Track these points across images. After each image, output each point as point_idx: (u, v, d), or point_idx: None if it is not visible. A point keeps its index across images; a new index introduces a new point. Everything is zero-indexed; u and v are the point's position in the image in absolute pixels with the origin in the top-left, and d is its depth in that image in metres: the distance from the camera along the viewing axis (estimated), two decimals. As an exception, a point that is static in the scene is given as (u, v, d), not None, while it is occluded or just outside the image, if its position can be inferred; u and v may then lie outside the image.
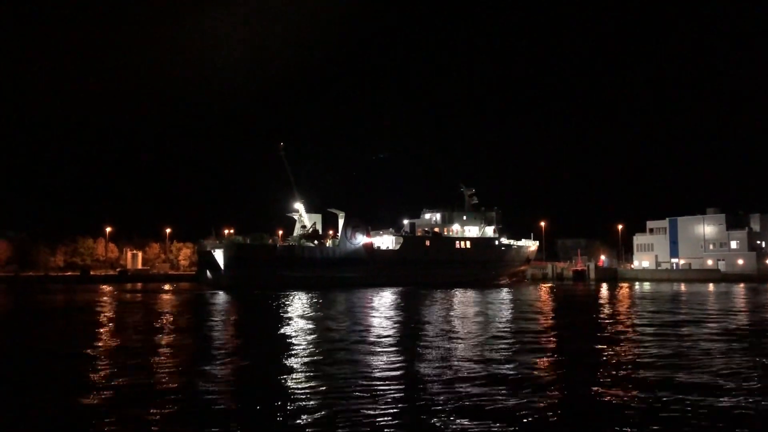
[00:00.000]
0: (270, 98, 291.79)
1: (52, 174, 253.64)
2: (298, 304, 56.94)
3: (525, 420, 15.42)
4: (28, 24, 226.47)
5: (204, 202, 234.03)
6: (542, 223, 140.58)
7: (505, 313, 46.64)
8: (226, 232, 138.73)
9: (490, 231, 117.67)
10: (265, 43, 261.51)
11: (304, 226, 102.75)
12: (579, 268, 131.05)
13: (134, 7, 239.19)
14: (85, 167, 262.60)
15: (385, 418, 15.52)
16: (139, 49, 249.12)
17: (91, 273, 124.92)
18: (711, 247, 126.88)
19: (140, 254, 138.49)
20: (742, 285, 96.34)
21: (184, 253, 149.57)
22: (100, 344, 29.14)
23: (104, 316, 44.78)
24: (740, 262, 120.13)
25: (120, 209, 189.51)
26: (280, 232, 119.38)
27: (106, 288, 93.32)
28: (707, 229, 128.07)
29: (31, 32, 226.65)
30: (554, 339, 31.15)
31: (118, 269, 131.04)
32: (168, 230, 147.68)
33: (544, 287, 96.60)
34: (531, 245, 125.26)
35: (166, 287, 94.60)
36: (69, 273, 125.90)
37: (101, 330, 35.23)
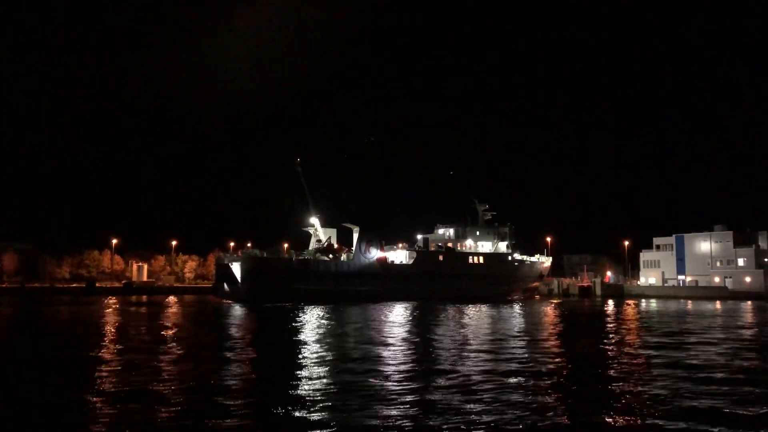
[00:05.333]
0: (286, 114, 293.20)
1: (59, 186, 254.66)
2: (311, 320, 56.75)
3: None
4: (43, 38, 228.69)
5: (210, 215, 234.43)
6: (549, 239, 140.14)
7: (516, 332, 46.34)
8: (232, 245, 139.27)
9: (503, 246, 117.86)
10: (281, 58, 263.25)
11: (319, 240, 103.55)
12: (585, 285, 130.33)
13: (149, 24, 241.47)
14: (91, 179, 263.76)
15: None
16: (151, 63, 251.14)
17: (97, 285, 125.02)
18: (718, 264, 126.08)
19: (146, 266, 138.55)
20: (749, 303, 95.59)
21: (190, 266, 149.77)
22: (113, 355, 29.15)
23: (108, 328, 44.78)
24: (747, 279, 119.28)
25: (126, 222, 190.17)
26: (285, 245, 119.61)
27: (112, 300, 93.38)
28: (714, 246, 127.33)
29: (45, 47, 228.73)
30: (565, 364, 30.93)
31: (123, 281, 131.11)
32: (174, 243, 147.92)
33: (554, 302, 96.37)
34: (544, 261, 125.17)
35: (171, 299, 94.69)
36: (74, 285, 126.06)
37: (109, 342, 35.24)
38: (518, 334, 42.37)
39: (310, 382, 23.23)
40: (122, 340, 38.11)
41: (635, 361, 29.36)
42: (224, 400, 20.09)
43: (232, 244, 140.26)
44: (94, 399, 20.05)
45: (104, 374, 24.81)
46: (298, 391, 21.47)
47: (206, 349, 34.47)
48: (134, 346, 34.84)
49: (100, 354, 31.01)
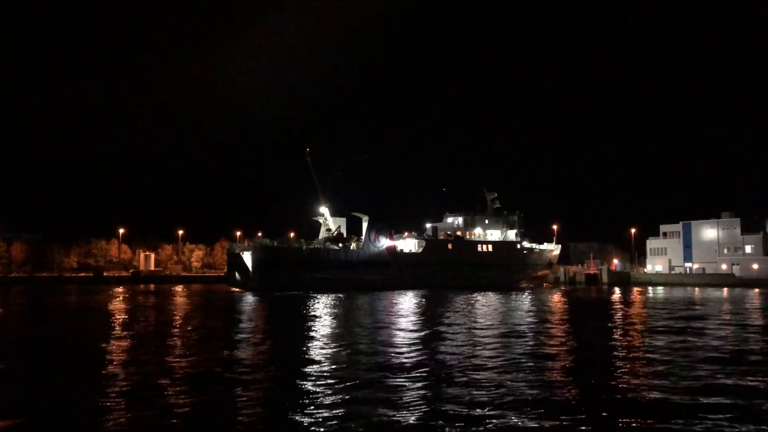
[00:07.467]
0: (296, 106, 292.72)
1: (66, 177, 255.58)
2: (325, 308, 56.95)
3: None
4: (60, 38, 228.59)
5: (216, 205, 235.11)
6: (555, 227, 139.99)
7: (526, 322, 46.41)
8: (239, 234, 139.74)
9: (512, 235, 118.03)
10: (292, 53, 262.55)
11: (329, 230, 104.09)
12: (592, 272, 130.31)
13: (169, 29, 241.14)
14: (99, 170, 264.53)
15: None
16: (164, 61, 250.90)
17: (104, 274, 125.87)
18: (725, 251, 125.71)
19: (153, 255, 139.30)
20: (756, 290, 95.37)
21: (197, 255, 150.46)
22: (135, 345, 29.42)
23: (122, 316, 45.14)
24: (755, 266, 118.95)
25: (133, 211, 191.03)
26: (292, 235, 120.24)
27: (120, 289, 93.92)
28: (721, 233, 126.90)
29: (63, 46, 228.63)
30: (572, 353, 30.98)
31: (131, 270, 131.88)
32: (180, 232, 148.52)
33: (562, 289, 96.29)
34: (553, 249, 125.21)
35: (180, 288, 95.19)
36: (82, 274, 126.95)
37: (131, 330, 35.57)
38: (528, 322, 42.44)
39: (322, 369, 23.36)
40: (133, 328, 38.40)
41: (640, 347, 29.40)
42: (238, 390, 20.24)
43: (238, 233, 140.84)
44: (113, 388, 20.20)
45: (117, 363, 25.03)
46: (310, 379, 21.60)
47: (219, 337, 34.70)
48: (149, 334, 35.09)
49: (118, 343, 31.28)
